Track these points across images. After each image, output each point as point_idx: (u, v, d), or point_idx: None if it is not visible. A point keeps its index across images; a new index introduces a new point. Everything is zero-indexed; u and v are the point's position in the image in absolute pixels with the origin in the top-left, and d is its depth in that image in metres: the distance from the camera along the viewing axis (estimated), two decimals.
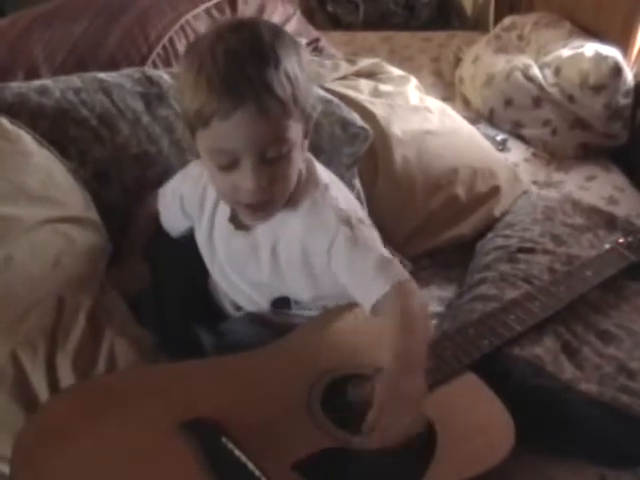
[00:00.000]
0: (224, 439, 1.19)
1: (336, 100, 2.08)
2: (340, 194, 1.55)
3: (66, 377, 1.41)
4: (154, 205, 1.78)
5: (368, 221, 1.55)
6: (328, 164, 1.71)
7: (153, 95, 1.97)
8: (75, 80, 1.95)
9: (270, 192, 1.41)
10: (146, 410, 1.26)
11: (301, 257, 1.51)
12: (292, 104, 1.33)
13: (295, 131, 1.37)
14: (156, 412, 1.26)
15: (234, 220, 1.57)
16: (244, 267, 1.59)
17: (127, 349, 1.48)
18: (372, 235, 1.48)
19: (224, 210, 1.58)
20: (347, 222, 1.45)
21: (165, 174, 1.88)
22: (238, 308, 1.68)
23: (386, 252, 1.44)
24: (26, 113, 1.82)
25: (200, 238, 1.66)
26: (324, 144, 1.96)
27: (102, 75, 1.98)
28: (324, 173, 1.58)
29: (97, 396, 1.31)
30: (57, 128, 1.84)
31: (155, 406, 1.27)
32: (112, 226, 1.74)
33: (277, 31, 1.37)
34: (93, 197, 1.76)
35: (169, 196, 1.73)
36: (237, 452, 1.17)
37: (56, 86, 1.90)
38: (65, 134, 1.84)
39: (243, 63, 1.29)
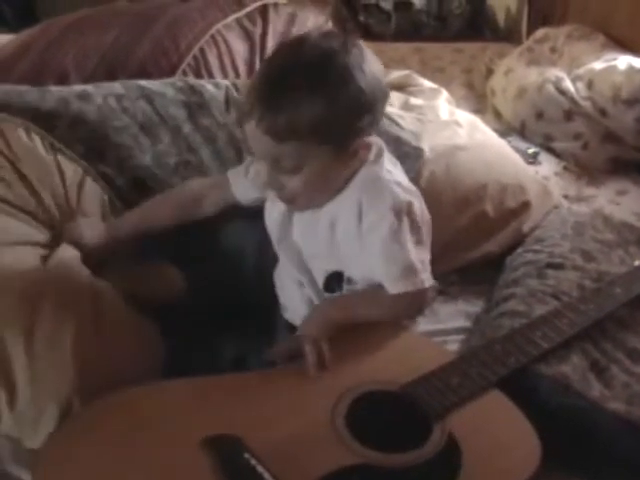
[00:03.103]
0: (246, 455, 1.18)
1: (386, 120, 2.07)
2: (401, 185, 1.57)
3: None
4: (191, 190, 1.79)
5: (424, 223, 1.59)
6: None
7: (195, 104, 1.98)
8: (117, 87, 1.97)
9: (288, 195, 1.50)
10: (168, 425, 1.25)
11: (356, 224, 1.54)
12: (305, 132, 1.39)
13: (310, 154, 1.43)
14: (178, 428, 1.25)
15: None
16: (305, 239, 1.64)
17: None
18: (414, 239, 1.52)
19: None
20: (397, 214, 1.50)
21: None
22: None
23: (418, 261, 1.50)
24: (66, 118, 1.85)
25: (275, 213, 1.68)
26: None
27: (144, 82, 2.00)
28: (394, 169, 1.61)
29: (119, 411, 1.30)
30: (97, 134, 1.87)
31: (176, 422, 1.26)
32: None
33: (321, 59, 1.40)
34: (130, 205, 1.79)
35: (243, 170, 1.75)
36: (259, 468, 1.16)
37: (98, 92, 1.93)
38: (105, 141, 1.87)
39: (268, 79, 1.41)
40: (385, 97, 1.54)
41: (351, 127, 1.45)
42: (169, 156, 1.91)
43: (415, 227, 1.53)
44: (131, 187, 1.85)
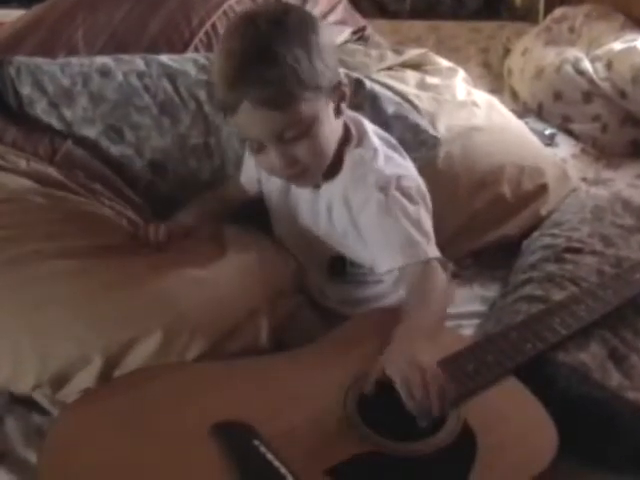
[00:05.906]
0: (256, 442, 1.16)
1: (406, 105, 2.06)
2: (391, 161, 1.60)
3: None
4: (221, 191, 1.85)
5: (421, 197, 1.59)
6: None
7: None
8: (139, 63, 1.96)
9: (302, 165, 1.51)
10: (177, 412, 1.24)
11: (346, 210, 1.58)
12: (297, 88, 1.41)
13: (310, 108, 1.45)
14: (187, 414, 1.24)
15: None
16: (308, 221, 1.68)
17: None
18: (410, 210, 1.52)
19: None
20: (383, 189, 1.52)
21: (222, 166, 1.91)
22: None
23: (418, 233, 1.50)
24: (87, 94, 1.86)
25: (274, 195, 1.73)
26: None
27: (165, 59, 1.99)
28: (376, 137, 1.64)
29: (128, 396, 1.29)
30: (118, 113, 1.87)
31: (186, 408, 1.25)
32: (165, 217, 1.74)
33: (277, 20, 1.43)
34: (148, 187, 1.83)
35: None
36: (269, 455, 1.14)
37: (118, 68, 1.92)
38: (126, 119, 1.87)
39: (241, 62, 1.41)
40: None
41: (332, 66, 1.49)
42: (189, 138, 1.90)
43: (409, 198, 1.53)
44: (150, 169, 1.86)
